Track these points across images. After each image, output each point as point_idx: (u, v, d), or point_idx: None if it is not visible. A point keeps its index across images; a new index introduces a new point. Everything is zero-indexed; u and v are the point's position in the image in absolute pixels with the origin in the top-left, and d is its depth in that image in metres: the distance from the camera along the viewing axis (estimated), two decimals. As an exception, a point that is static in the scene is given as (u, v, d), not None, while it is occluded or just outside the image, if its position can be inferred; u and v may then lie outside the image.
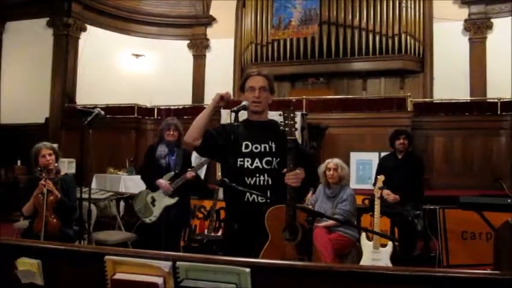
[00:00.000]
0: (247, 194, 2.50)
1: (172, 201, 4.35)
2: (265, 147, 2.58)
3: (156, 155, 4.40)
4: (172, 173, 4.35)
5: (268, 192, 2.52)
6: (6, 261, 1.63)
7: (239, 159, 2.55)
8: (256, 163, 2.54)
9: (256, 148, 2.57)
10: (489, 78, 8.57)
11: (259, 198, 2.49)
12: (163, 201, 4.34)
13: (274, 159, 2.57)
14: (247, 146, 2.57)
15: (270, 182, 2.54)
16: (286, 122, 2.45)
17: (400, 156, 4.86)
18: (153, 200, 4.37)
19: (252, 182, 2.53)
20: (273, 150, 2.58)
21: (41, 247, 1.68)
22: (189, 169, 4.38)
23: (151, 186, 4.39)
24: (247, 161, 2.54)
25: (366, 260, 4.01)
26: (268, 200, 2.48)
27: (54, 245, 1.67)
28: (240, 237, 2.48)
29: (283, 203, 2.41)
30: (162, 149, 4.42)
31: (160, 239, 4.28)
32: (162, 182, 4.30)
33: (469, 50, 8.83)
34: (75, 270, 1.57)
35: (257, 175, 2.53)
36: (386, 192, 4.56)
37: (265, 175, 2.54)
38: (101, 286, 1.47)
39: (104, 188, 6.90)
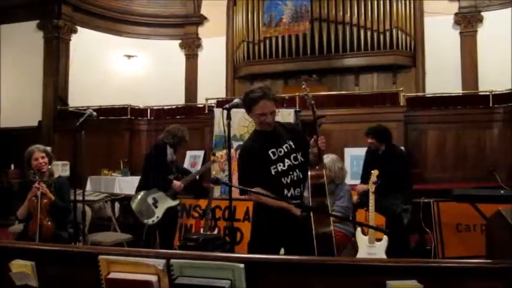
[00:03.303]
0: (285, 190, 2.75)
1: (175, 202, 4.51)
2: (287, 147, 2.82)
3: (168, 158, 4.54)
4: (173, 176, 4.51)
5: (302, 186, 2.80)
6: (0, 263, 1.62)
7: (272, 167, 2.77)
8: (287, 162, 2.79)
9: (280, 152, 2.80)
10: (480, 71, 8.61)
11: (296, 191, 2.77)
12: (167, 202, 4.44)
13: (298, 154, 2.82)
14: (274, 154, 2.79)
15: (301, 176, 2.81)
16: (306, 97, 2.81)
17: (380, 152, 4.90)
18: (155, 202, 4.42)
19: (289, 181, 2.77)
20: (293, 146, 2.83)
21: (35, 249, 1.68)
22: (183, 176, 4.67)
23: (165, 185, 4.48)
24: (280, 165, 2.78)
25: (361, 254, 4.02)
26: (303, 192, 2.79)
27: (48, 246, 1.67)
28: (274, 232, 2.69)
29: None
30: (170, 153, 4.57)
31: (158, 238, 4.38)
32: (177, 183, 4.51)
33: (460, 44, 8.87)
34: (69, 271, 1.57)
35: (290, 173, 2.79)
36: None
37: (297, 170, 2.81)
38: (96, 286, 1.47)
39: (99, 190, 6.89)
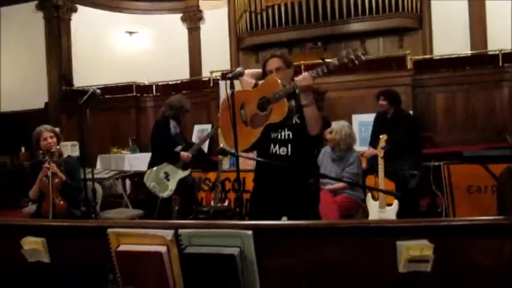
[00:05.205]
0: (271, 145, 2.74)
1: (186, 173, 4.62)
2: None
3: (172, 132, 4.63)
4: (180, 147, 4.60)
5: (289, 145, 2.72)
6: (12, 241, 1.64)
7: None
8: None
9: None
10: (489, 30, 8.38)
11: (281, 150, 2.71)
12: (178, 174, 4.56)
13: (295, 116, 2.75)
14: None
15: (290, 136, 2.74)
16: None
17: (389, 116, 4.87)
18: (167, 175, 4.52)
19: (277, 137, 2.74)
20: (293, 108, 2.76)
21: (45, 225, 1.69)
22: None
23: (172, 158, 4.58)
24: None
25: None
26: (289, 153, 2.70)
27: (58, 222, 1.68)
28: (268, 192, 2.71)
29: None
30: (174, 126, 4.66)
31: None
32: (184, 154, 4.58)
33: (468, 2, 8.62)
34: (80, 246, 1.58)
35: (279, 130, 2.74)
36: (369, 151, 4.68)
37: (286, 129, 2.75)
38: (106, 259, 1.48)
39: (109, 168, 6.94)
